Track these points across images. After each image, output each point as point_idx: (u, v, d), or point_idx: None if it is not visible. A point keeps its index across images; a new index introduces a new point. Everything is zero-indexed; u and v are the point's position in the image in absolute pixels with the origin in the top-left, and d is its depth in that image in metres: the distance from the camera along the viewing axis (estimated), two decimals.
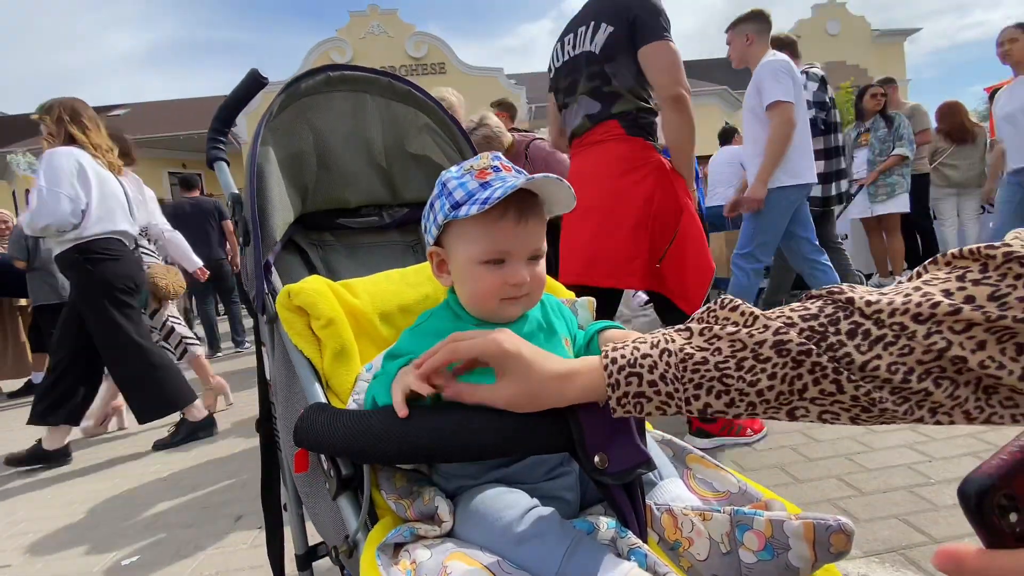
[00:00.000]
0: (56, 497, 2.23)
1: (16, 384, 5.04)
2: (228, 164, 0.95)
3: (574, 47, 1.76)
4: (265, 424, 0.90)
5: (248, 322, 7.74)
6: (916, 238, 4.85)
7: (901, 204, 4.28)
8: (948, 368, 0.40)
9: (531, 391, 0.54)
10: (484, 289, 0.65)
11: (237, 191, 0.88)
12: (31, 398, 4.79)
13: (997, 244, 0.40)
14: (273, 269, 0.81)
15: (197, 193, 5.76)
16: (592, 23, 1.70)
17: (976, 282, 0.40)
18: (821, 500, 1.46)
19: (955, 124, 4.67)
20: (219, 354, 5.80)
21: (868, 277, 4.59)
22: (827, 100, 3.29)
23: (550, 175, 0.62)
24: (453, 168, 0.68)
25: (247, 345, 5.94)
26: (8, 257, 4.58)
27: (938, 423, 0.43)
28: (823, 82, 3.29)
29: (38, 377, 5.02)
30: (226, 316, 6.17)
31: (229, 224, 5.93)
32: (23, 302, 4.58)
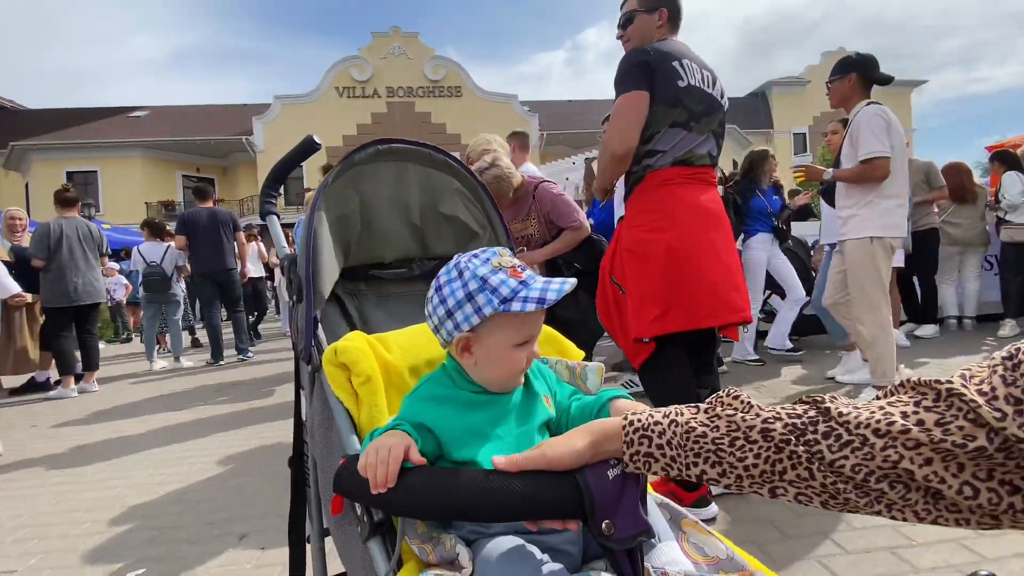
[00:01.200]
0: (59, 503, 2.27)
1: (19, 380, 5.09)
2: (279, 218, 1.05)
3: (702, 82, 1.82)
4: (297, 462, 0.98)
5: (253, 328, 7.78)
6: (916, 289, 4.94)
7: (896, 259, 4.43)
8: (902, 475, 0.49)
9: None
10: (515, 367, 0.77)
11: (290, 251, 0.97)
12: (33, 395, 4.86)
13: (943, 380, 0.49)
14: (319, 324, 0.90)
15: (211, 203, 5.89)
16: (708, 74, 1.84)
17: (928, 408, 0.49)
18: (808, 557, 1.51)
19: (955, 184, 4.81)
20: (221, 362, 5.86)
21: None
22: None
23: (568, 280, 0.74)
24: (478, 263, 0.75)
25: (250, 354, 6.01)
26: (29, 253, 4.70)
27: (893, 518, 0.51)
28: None
29: (42, 375, 5.09)
30: (230, 323, 6.25)
31: (242, 235, 6.06)
32: (29, 298, 4.68)
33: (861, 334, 2.92)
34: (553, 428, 0.83)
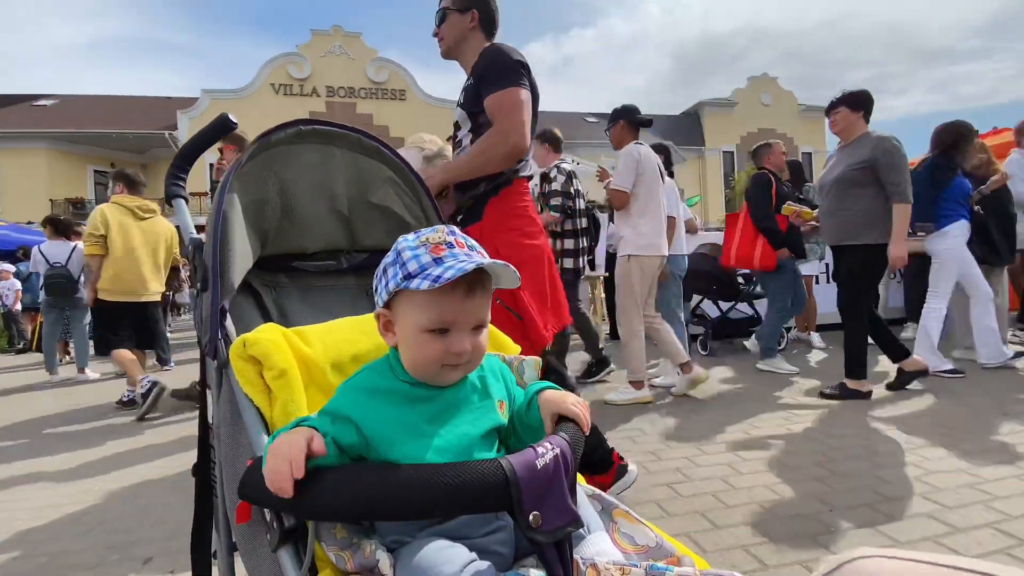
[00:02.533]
0: None
1: None
2: (187, 202, 0.96)
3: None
4: (202, 468, 0.88)
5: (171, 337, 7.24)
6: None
7: (811, 268, 4.84)
8: None
9: None
10: (427, 356, 0.69)
11: (198, 236, 0.88)
12: None
13: None
14: (228, 315, 0.82)
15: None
16: None
17: None
18: (735, 546, 1.56)
19: None
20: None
21: (788, 329, 4.98)
22: (572, 191, 3.83)
23: (498, 261, 0.69)
24: (411, 236, 0.72)
25: (172, 364, 5.57)
26: None
27: None
28: (570, 176, 3.82)
29: None
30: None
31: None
32: None
33: (661, 334, 3.35)
34: (503, 436, 0.77)
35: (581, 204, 3.88)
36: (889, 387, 3.24)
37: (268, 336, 0.76)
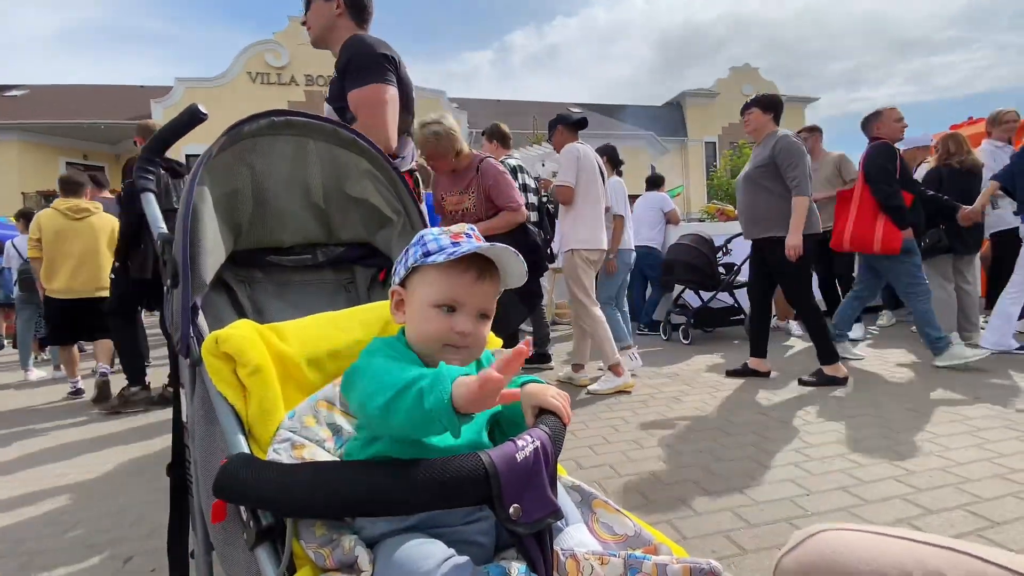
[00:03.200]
0: None
1: None
2: (157, 196, 0.93)
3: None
4: (177, 469, 0.87)
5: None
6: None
7: None
8: None
9: None
10: (432, 331, 0.73)
11: (166, 230, 0.86)
12: None
13: None
14: (200, 311, 0.80)
15: (107, 192, 5.29)
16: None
17: None
18: (715, 532, 1.59)
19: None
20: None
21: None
22: (518, 185, 3.79)
23: (510, 248, 0.73)
24: (434, 229, 0.77)
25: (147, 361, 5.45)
26: None
27: None
28: (515, 171, 3.79)
29: None
30: None
31: None
32: None
33: (585, 331, 3.41)
34: (502, 422, 0.79)
35: (532, 198, 3.87)
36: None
37: (241, 332, 0.74)
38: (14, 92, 21.11)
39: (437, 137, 2.54)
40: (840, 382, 3.16)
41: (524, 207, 2.76)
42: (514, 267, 0.75)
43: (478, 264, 0.73)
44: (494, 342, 1.02)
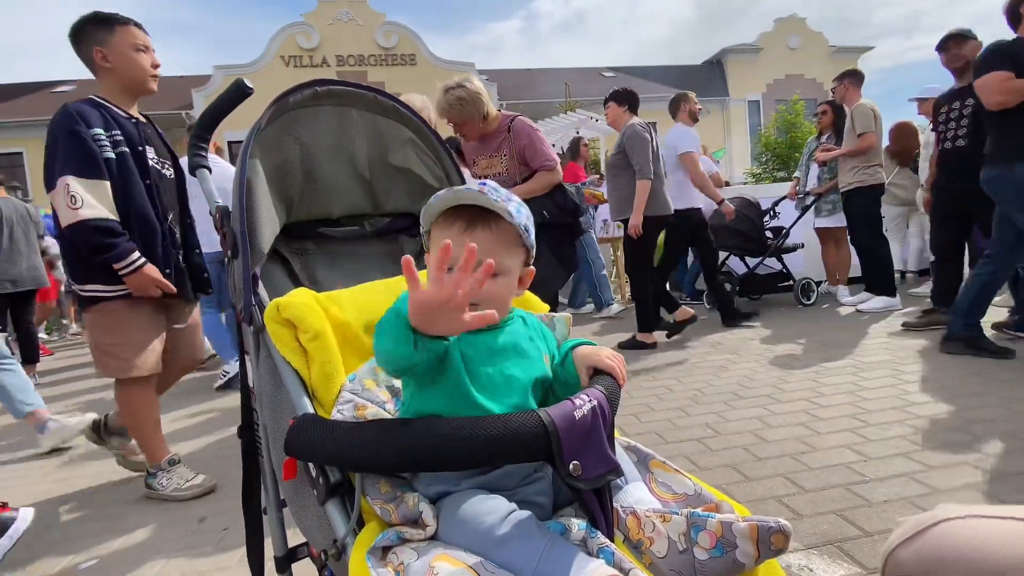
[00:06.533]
0: (10, 493, 2.12)
1: None
2: (211, 172, 0.96)
3: None
4: (247, 431, 0.92)
5: None
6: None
7: (840, 220, 4.53)
8: None
9: None
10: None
11: (223, 203, 0.89)
12: None
13: None
14: (259, 281, 0.83)
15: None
16: None
17: None
18: (768, 497, 1.57)
19: (902, 147, 4.97)
20: None
21: (818, 284, 4.85)
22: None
23: (514, 197, 0.72)
24: (443, 191, 0.74)
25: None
26: None
27: None
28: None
29: None
30: None
31: None
32: None
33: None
34: (548, 390, 0.77)
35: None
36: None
37: (301, 299, 0.77)
38: (62, 88, 22.15)
39: (462, 103, 2.41)
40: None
41: (559, 167, 2.61)
42: (506, 206, 0.69)
43: (464, 216, 0.71)
44: (539, 306, 1.01)
